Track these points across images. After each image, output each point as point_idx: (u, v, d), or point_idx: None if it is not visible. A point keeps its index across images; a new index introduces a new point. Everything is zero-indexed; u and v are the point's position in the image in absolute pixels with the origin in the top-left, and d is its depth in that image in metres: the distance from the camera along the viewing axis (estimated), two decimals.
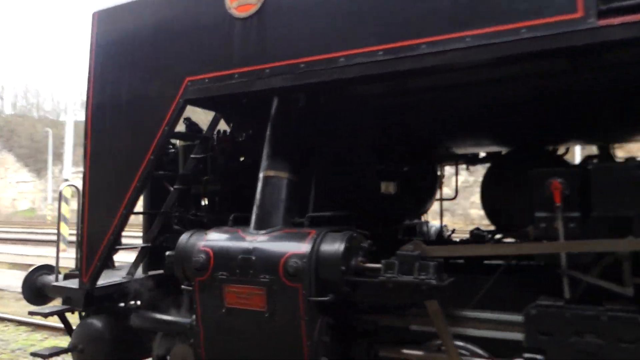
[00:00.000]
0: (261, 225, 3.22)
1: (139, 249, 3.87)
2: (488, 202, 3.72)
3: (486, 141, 4.04)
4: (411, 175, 3.91)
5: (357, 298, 2.92)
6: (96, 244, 3.67)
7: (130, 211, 3.58)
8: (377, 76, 2.76)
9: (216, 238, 3.25)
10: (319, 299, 2.83)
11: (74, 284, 3.90)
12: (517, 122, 3.47)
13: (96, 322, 3.97)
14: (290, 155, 3.37)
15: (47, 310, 4.19)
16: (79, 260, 3.77)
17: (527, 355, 2.56)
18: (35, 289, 4.48)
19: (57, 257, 4.39)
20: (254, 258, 3.01)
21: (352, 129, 3.55)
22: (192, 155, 3.87)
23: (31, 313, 4.31)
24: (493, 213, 3.70)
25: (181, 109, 3.38)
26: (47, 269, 4.68)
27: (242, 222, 3.39)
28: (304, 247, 2.90)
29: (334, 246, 2.86)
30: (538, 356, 2.52)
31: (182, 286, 3.34)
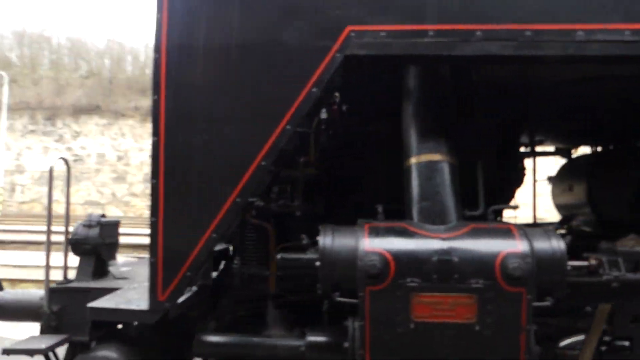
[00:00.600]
0: (434, 220, 2.66)
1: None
2: (597, 198, 3.73)
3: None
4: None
5: (574, 300, 2.65)
6: (184, 247, 2.56)
7: (246, 201, 2.58)
8: (618, 57, 2.51)
9: (386, 237, 2.57)
10: (542, 304, 2.48)
11: (123, 302, 2.68)
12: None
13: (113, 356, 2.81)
14: (446, 137, 2.87)
15: (43, 345, 2.77)
16: (152, 269, 2.56)
17: None
18: None
19: (48, 264, 2.96)
20: (456, 260, 2.47)
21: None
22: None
23: (7, 352, 2.80)
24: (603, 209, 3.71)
25: (338, 67, 2.55)
26: None
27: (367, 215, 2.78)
28: (520, 246, 2.49)
29: (552, 244, 2.53)
30: None
31: (338, 298, 2.55)
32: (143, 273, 3.67)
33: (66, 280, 3.12)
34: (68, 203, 3.10)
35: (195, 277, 2.56)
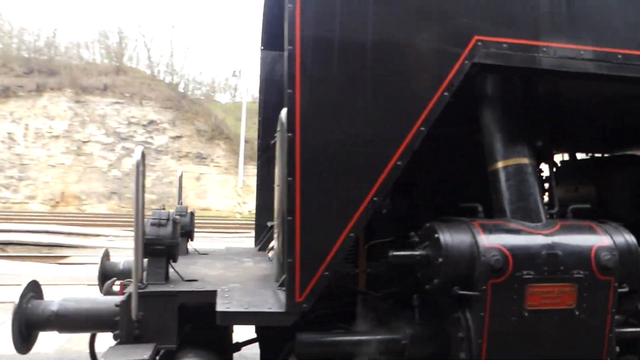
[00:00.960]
0: (531, 218, 2.94)
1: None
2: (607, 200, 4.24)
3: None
4: None
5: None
6: (322, 246, 2.51)
7: (381, 200, 2.60)
8: None
9: (500, 234, 2.79)
10: (623, 290, 2.89)
11: (247, 304, 2.54)
12: None
13: None
14: (529, 142, 3.16)
15: (145, 356, 2.50)
16: (290, 269, 2.45)
17: None
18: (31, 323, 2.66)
19: (138, 266, 2.67)
20: (560, 253, 2.77)
21: None
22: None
23: None
24: None
25: (467, 74, 2.69)
26: (34, 290, 2.83)
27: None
28: (605, 240, 2.87)
29: (627, 238, 2.96)
30: None
31: (460, 292, 2.69)
32: (205, 272, 3.46)
33: (143, 284, 2.83)
34: (142, 200, 2.80)
35: (328, 279, 2.53)
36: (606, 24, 2.88)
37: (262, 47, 5.26)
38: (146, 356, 2.50)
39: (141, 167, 2.71)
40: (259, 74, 5.40)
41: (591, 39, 2.84)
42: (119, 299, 2.82)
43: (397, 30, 2.63)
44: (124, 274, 4.17)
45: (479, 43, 2.69)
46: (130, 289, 2.74)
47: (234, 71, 37.09)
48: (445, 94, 2.64)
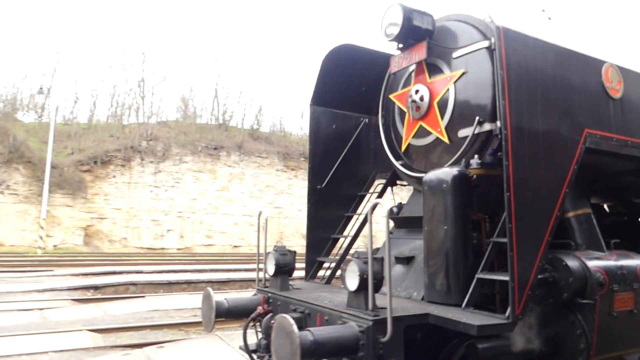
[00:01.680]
0: (599, 249, 4.40)
1: None
2: None
3: None
4: None
5: None
6: (527, 268, 3.54)
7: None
8: None
9: (595, 260, 4.15)
10: None
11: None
12: None
13: None
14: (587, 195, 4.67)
15: None
16: (510, 288, 3.39)
17: None
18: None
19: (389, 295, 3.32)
20: (625, 272, 4.26)
21: None
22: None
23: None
24: None
25: (584, 155, 4.04)
26: None
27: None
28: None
29: None
30: None
31: (581, 301, 3.95)
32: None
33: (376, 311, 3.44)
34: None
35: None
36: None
37: (312, 103, 5.86)
38: None
39: None
40: (308, 126, 6.06)
41: (631, 133, 4.47)
42: (348, 327, 3.40)
43: (551, 123, 3.87)
44: (230, 312, 4.55)
45: (588, 134, 4.08)
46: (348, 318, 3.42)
47: (41, 87, 32.98)
48: (575, 167, 3.95)
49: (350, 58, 5.75)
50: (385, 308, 3.31)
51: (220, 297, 4.61)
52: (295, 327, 3.17)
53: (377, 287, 3.58)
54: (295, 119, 46.91)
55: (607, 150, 4.28)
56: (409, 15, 4.43)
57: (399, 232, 5.17)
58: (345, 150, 5.94)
